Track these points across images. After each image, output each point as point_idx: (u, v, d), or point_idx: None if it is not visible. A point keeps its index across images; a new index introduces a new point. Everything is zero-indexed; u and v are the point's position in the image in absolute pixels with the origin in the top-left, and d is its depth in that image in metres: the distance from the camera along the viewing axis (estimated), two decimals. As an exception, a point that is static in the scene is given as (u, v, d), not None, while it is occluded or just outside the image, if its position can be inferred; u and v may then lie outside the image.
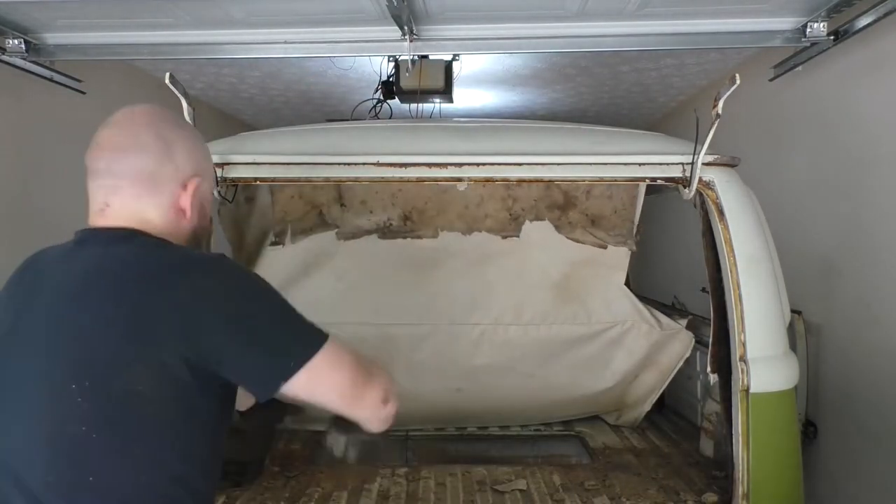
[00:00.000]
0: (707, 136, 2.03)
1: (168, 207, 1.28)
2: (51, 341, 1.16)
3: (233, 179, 2.17)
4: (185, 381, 1.13)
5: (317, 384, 1.22)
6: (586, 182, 2.82)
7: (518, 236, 2.99)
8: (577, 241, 2.99)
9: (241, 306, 1.18)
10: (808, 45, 2.80)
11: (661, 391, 3.06)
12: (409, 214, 3.03)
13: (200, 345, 1.13)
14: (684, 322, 2.99)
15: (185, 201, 1.29)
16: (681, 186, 2.17)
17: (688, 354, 2.94)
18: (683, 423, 3.15)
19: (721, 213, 2.13)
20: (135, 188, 1.26)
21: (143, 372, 1.12)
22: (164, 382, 1.13)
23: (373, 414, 1.29)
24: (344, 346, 1.25)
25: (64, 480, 1.12)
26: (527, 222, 3.00)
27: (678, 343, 2.94)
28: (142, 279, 1.17)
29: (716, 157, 2.15)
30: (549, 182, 2.81)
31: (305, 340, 1.21)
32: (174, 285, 1.16)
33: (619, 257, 3.00)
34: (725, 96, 1.95)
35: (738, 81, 1.90)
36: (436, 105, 4.60)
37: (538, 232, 2.99)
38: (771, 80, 3.31)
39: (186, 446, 1.19)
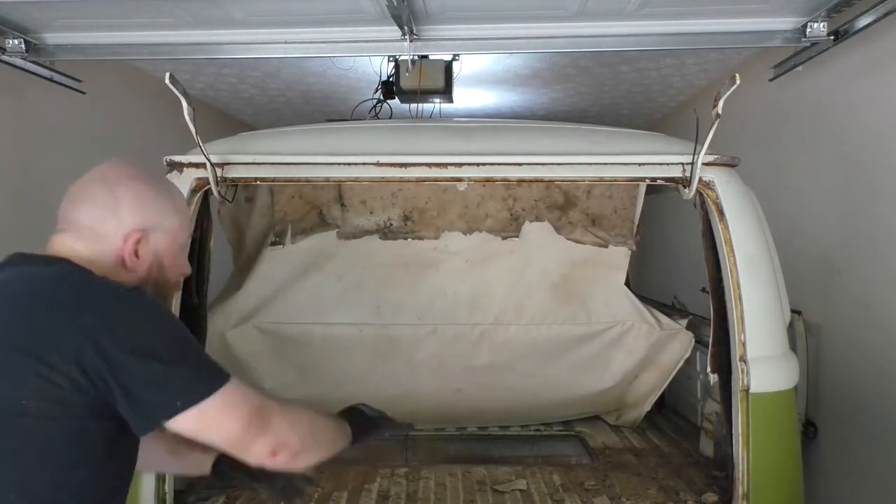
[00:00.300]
0: (707, 136, 2.03)
1: (107, 254, 1.32)
2: None
3: (233, 179, 2.17)
4: (72, 402, 1.14)
5: (203, 427, 1.21)
6: (586, 182, 2.82)
7: (518, 237, 2.99)
8: (577, 241, 2.99)
9: (143, 340, 1.18)
10: (808, 45, 2.80)
11: (661, 391, 3.06)
12: (410, 214, 3.03)
13: (93, 369, 1.14)
14: (684, 322, 2.99)
15: (127, 252, 1.32)
16: (681, 186, 2.17)
17: (688, 355, 2.94)
18: (683, 423, 3.15)
19: (721, 213, 2.13)
20: (76, 233, 1.33)
21: (34, 384, 1.13)
22: (51, 400, 1.14)
23: (258, 463, 1.28)
24: (244, 393, 1.25)
25: None
26: (526, 223, 3.00)
27: (678, 343, 2.94)
28: (53, 297, 1.21)
29: (716, 157, 2.15)
30: (550, 182, 2.81)
31: (199, 383, 1.20)
32: (82, 308, 1.18)
33: (619, 257, 3.00)
34: (725, 96, 1.95)
35: (738, 81, 1.90)
36: (436, 105, 4.60)
37: (538, 233, 2.99)
38: (771, 80, 3.31)
39: (62, 474, 1.18)
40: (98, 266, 1.29)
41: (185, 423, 1.18)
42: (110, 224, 1.32)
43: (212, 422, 1.21)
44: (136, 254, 1.33)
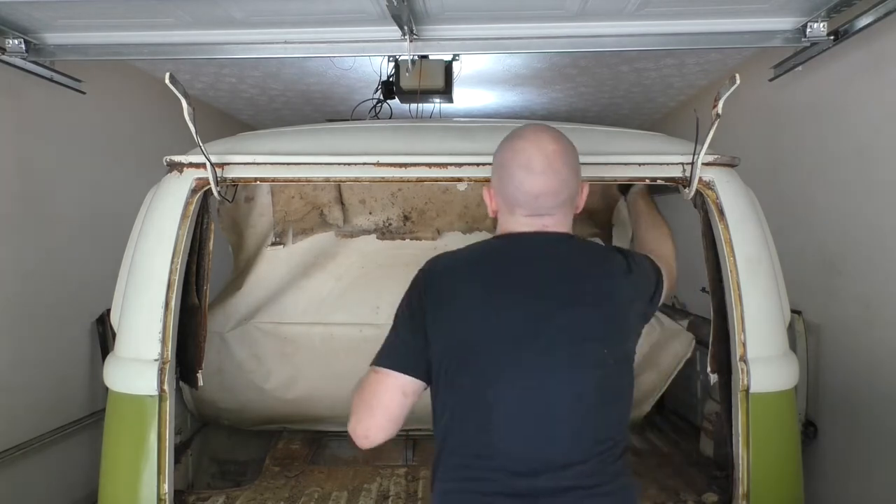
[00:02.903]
0: (707, 136, 2.03)
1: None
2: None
3: (233, 179, 2.17)
4: None
5: None
6: (586, 181, 2.82)
7: None
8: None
9: None
10: (808, 45, 2.79)
11: (661, 392, 3.05)
12: (409, 214, 3.02)
13: None
14: (685, 322, 2.99)
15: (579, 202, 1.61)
16: (681, 186, 2.17)
17: (689, 355, 2.94)
18: (683, 423, 3.15)
19: (721, 213, 2.13)
20: None
21: None
22: None
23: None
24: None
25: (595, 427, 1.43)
26: None
27: (678, 343, 2.93)
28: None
29: (716, 157, 2.15)
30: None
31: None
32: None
33: None
34: (725, 96, 1.95)
35: (738, 81, 1.89)
36: (436, 105, 4.61)
37: None
38: (771, 80, 3.31)
39: None
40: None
41: None
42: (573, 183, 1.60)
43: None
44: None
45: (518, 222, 1.54)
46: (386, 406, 1.50)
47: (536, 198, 1.49)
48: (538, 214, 1.52)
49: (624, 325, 1.52)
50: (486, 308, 1.45)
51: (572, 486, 1.38)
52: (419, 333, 1.49)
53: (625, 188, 2.72)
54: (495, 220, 2.99)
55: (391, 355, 1.52)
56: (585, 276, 1.51)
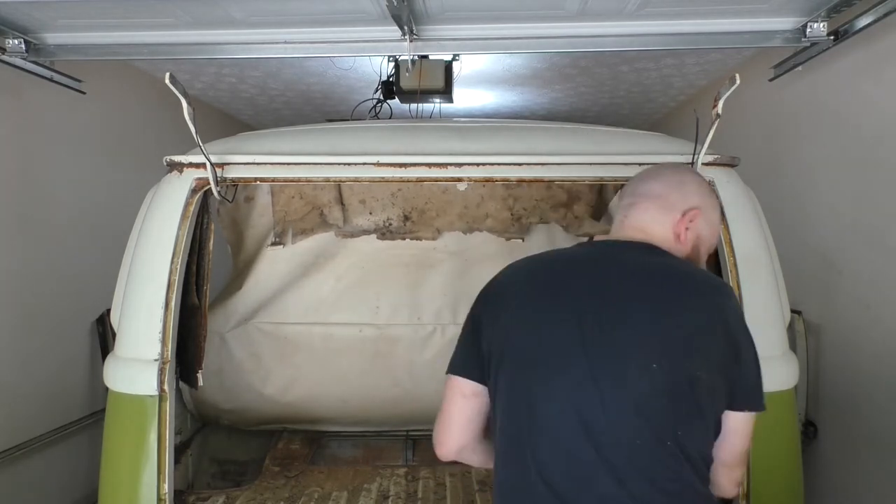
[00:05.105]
0: (707, 136, 2.03)
1: (667, 225, 1.55)
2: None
3: (233, 179, 2.17)
4: None
5: None
6: (586, 182, 2.82)
7: (522, 239, 2.98)
8: (587, 234, 2.99)
9: None
10: (808, 45, 2.79)
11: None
12: (409, 214, 3.03)
13: None
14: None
15: (682, 226, 1.55)
16: (681, 186, 2.17)
17: (688, 354, 2.94)
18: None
19: (721, 213, 2.13)
20: (648, 203, 1.58)
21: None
22: None
23: None
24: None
25: (647, 442, 1.34)
26: (532, 226, 3.00)
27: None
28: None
29: (716, 157, 2.15)
30: (550, 182, 2.81)
31: None
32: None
33: None
34: (725, 96, 1.95)
35: (738, 81, 1.90)
36: (436, 105, 4.60)
37: (545, 234, 2.99)
38: (771, 80, 3.31)
39: None
40: (660, 238, 1.54)
41: None
42: (675, 198, 1.56)
43: None
44: (686, 230, 1.55)
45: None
46: (450, 411, 1.53)
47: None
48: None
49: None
50: (541, 315, 1.46)
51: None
52: (476, 336, 1.53)
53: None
54: (499, 222, 2.97)
55: (452, 360, 1.56)
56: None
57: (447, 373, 1.55)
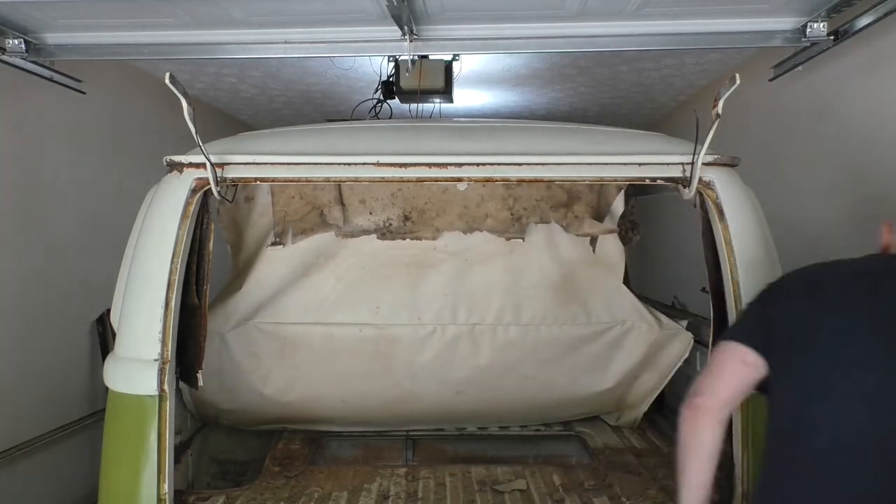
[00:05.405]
0: (707, 136, 2.03)
1: None
2: None
3: (233, 179, 2.17)
4: None
5: None
6: (587, 181, 2.83)
7: (522, 239, 2.99)
8: (587, 234, 2.99)
9: None
10: (808, 45, 2.80)
11: (659, 391, 3.06)
12: (409, 214, 3.03)
13: None
14: (684, 322, 2.99)
15: None
16: (681, 186, 2.17)
17: (687, 355, 2.94)
18: (683, 423, 3.15)
19: (721, 213, 2.13)
20: None
21: None
22: None
23: None
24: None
25: None
26: (531, 225, 3.00)
27: (678, 343, 2.94)
28: None
29: (716, 157, 2.15)
30: (550, 182, 2.81)
31: None
32: None
33: (615, 256, 3.00)
34: (725, 96, 1.95)
35: (738, 81, 1.90)
36: (436, 105, 4.61)
37: (545, 233, 2.99)
38: (771, 80, 3.31)
39: None
40: None
41: None
42: None
43: None
44: None
45: None
46: (726, 374, 1.57)
47: None
48: None
49: None
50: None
51: None
52: (766, 314, 1.58)
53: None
54: (499, 222, 3.00)
55: (735, 327, 1.62)
56: None
57: (724, 339, 1.60)
